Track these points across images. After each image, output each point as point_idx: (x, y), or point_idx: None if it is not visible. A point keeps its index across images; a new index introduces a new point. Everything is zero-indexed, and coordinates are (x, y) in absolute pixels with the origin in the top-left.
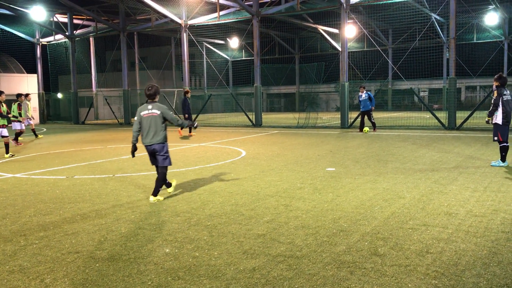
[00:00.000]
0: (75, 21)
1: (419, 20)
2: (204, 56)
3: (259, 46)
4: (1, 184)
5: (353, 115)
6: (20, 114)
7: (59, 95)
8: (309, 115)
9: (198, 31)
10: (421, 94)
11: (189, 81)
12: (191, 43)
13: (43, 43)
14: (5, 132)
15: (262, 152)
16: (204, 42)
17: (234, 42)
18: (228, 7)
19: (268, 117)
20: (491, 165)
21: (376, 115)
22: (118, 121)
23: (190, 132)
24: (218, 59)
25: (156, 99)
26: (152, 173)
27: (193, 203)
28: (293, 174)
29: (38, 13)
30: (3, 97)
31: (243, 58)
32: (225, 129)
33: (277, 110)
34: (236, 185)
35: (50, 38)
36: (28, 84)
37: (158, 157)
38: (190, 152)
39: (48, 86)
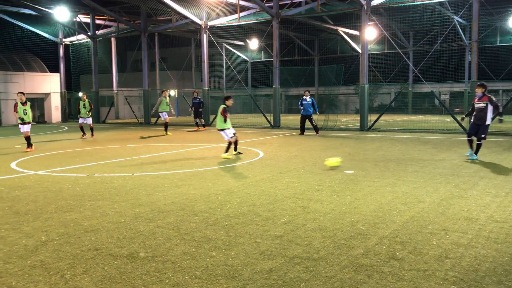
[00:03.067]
0: (97, 21)
1: (441, 22)
2: (224, 57)
3: (279, 48)
4: (24, 181)
5: (372, 117)
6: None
7: (80, 94)
8: (328, 117)
9: (218, 32)
10: (442, 97)
11: (209, 82)
12: (211, 44)
13: (66, 43)
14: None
15: (280, 154)
16: (223, 43)
17: (253, 43)
18: (248, 8)
19: (286, 119)
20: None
21: (396, 117)
22: (138, 120)
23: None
24: (237, 60)
25: None
26: (171, 172)
27: (211, 203)
28: (311, 176)
29: (61, 14)
30: (23, 98)
31: (262, 59)
32: (243, 130)
33: (295, 112)
34: (254, 186)
35: (73, 38)
36: (51, 83)
37: None
38: (208, 153)
39: (70, 85)
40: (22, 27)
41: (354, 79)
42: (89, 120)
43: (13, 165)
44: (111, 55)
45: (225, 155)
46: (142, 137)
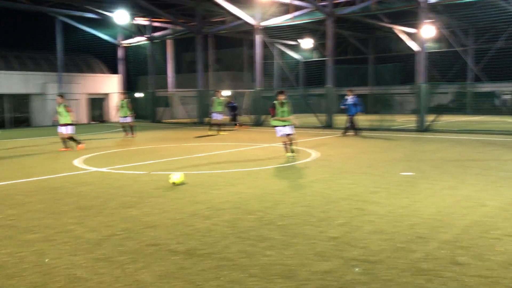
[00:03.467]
0: (154, 24)
1: (503, 18)
2: (276, 57)
3: (332, 47)
4: (87, 177)
5: (430, 118)
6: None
7: (138, 95)
8: (384, 117)
9: (270, 32)
10: (504, 97)
11: (261, 82)
12: (263, 44)
13: (124, 45)
14: (69, 129)
15: (334, 154)
16: (276, 43)
17: (306, 42)
18: (301, 8)
19: (339, 119)
20: None
21: (454, 118)
22: (192, 120)
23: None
24: (289, 60)
25: None
26: (225, 171)
27: (265, 203)
28: (367, 177)
29: (121, 17)
30: (62, 100)
31: (315, 59)
32: (295, 130)
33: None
34: (308, 187)
35: (131, 40)
36: (110, 84)
37: None
38: (261, 152)
39: (128, 86)
40: (85, 30)
41: (410, 78)
42: (129, 119)
43: (76, 162)
44: (166, 57)
45: (288, 154)
46: (196, 137)
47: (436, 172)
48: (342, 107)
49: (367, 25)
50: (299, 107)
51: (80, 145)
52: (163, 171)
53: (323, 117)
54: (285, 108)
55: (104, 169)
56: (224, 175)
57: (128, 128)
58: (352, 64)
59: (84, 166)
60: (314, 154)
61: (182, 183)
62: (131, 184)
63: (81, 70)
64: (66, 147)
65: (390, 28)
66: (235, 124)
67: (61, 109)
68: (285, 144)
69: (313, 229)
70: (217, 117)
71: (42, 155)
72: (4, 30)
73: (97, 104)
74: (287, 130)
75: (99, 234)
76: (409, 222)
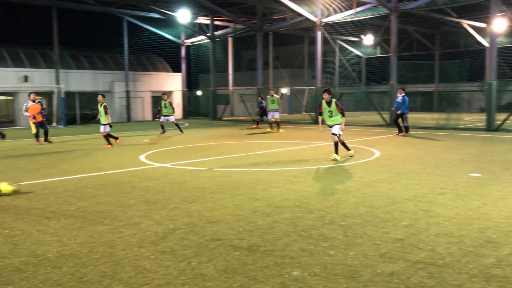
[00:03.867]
0: (216, 22)
1: None
2: (337, 53)
3: (396, 43)
4: (152, 172)
5: (500, 116)
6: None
7: (199, 93)
8: (450, 115)
9: (332, 28)
10: None
11: (321, 79)
12: (324, 41)
13: (187, 44)
14: (105, 128)
15: (397, 154)
16: (337, 40)
17: (368, 38)
18: (364, 3)
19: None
20: None
21: None
22: (252, 118)
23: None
24: (351, 57)
25: None
26: (285, 169)
27: (326, 202)
28: (433, 178)
29: (184, 16)
30: (102, 99)
31: (378, 55)
32: (356, 128)
33: (412, 110)
34: (370, 186)
35: (193, 39)
36: (173, 82)
37: None
38: (321, 150)
39: (190, 84)
40: (149, 30)
41: (478, 75)
42: (172, 118)
43: (142, 157)
44: (227, 55)
45: (333, 156)
46: (248, 134)
47: (508, 173)
48: (393, 108)
49: (433, 19)
50: (361, 105)
51: (116, 141)
52: (224, 167)
53: (386, 115)
54: (332, 108)
55: (167, 165)
56: (283, 173)
57: (166, 127)
58: (417, 61)
59: (149, 162)
60: (376, 153)
61: (8, 194)
62: (193, 180)
63: (146, 69)
64: (109, 143)
65: (458, 23)
66: (257, 123)
67: (101, 109)
68: (336, 144)
69: (377, 230)
70: (272, 115)
71: (109, 150)
72: (75, 31)
73: (161, 101)
74: (333, 129)
75: (164, 227)
76: (479, 226)
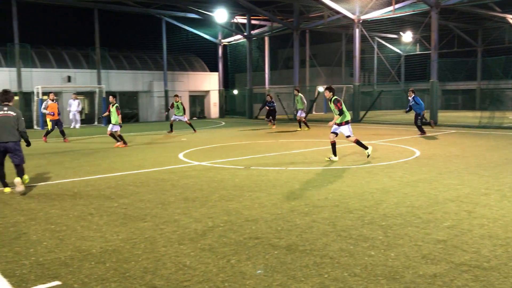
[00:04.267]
0: (253, 21)
1: None
2: (376, 51)
3: (437, 39)
4: (190, 170)
5: None
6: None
7: (235, 92)
8: (494, 114)
9: (370, 25)
10: None
11: (359, 77)
12: (362, 38)
13: (224, 43)
14: (113, 128)
15: (438, 153)
16: (375, 37)
17: (407, 35)
18: None
19: (443, 115)
20: None
21: None
22: (288, 116)
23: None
24: (389, 54)
25: (11, 104)
26: (322, 168)
27: (365, 202)
28: (476, 178)
29: (221, 16)
30: (114, 100)
31: (417, 52)
32: (395, 127)
33: (453, 108)
34: (411, 186)
35: (230, 39)
36: (210, 81)
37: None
38: (359, 149)
39: (227, 83)
40: (187, 30)
41: None
42: (184, 118)
43: (180, 156)
44: (264, 54)
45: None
46: (276, 132)
47: None
48: (406, 111)
49: (476, 15)
50: (400, 103)
51: (118, 143)
52: (261, 166)
53: (426, 113)
54: (332, 106)
55: (205, 163)
56: (321, 172)
57: (172, 126)
58: (458, 58)
59: (188, 160)
60: (417, 152)
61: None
62: (230, 178)
63: (183, 69)
64: (124, 143)
65: (503, 18)
66: (270, 121)
67: (113, 110)
68: (333, 144)
69: (418, 230)
70: (299, 114)
71: (149, 149)
72: (115, 32)
73: (198, 101)
74: (342, 130)
75: (203, 225)
76: None
